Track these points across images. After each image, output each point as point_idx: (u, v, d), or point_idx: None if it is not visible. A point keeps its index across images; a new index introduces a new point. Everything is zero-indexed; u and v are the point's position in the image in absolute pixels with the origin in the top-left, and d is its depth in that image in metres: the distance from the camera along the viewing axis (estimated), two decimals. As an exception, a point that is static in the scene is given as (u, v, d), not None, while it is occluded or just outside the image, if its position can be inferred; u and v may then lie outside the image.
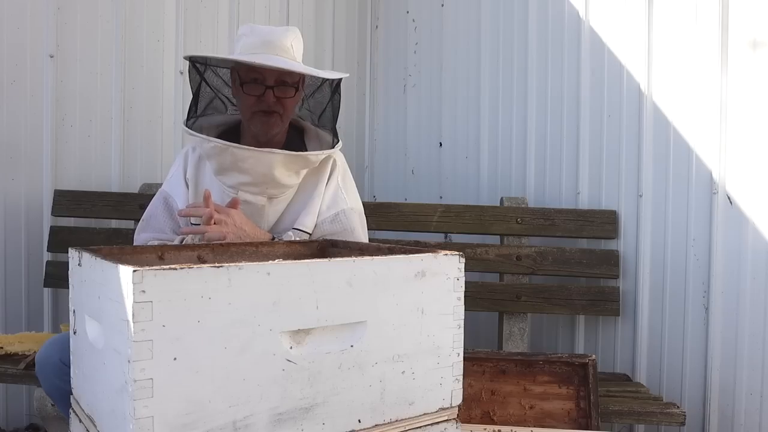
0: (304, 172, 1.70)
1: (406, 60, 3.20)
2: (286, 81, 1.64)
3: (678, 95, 2.25)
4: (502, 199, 2.57)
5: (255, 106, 1.64)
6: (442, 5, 3.02)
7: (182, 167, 1.75)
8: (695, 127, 2.22)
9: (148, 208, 1.78)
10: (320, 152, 1.68)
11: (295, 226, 1.67)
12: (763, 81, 2.08)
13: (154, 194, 2.47)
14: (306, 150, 1.72)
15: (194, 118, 1.71)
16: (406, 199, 3.11)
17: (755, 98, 2.09)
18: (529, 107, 2.68)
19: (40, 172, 2.56)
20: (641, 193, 2.34)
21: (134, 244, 1.73)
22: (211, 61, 1.72)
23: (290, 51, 1.65)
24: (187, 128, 1.66)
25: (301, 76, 1.68)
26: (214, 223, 1.50)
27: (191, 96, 1.73)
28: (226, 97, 1.79)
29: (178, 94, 2.80)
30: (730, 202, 2.14)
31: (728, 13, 2.13)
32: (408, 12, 3.19)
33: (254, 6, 2.98)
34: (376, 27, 3.34)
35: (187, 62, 1.70)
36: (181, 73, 2.80)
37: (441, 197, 3.01)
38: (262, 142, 1.67)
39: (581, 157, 2.50)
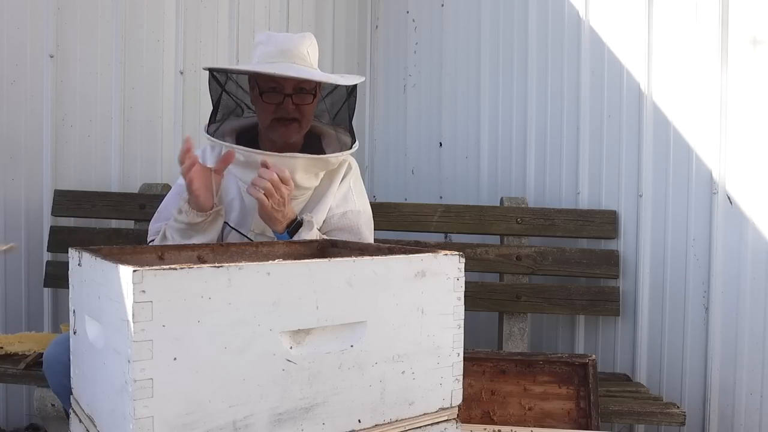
0: (322, 174, 1.75)
1: (406, 60, 3.20)
2: (303, 88, 1.68)
3: (678, 95, 2.25)
4: (502, 199, 2.57)
5: (274, 113, 1.68)
6: (442, 5, 3.02)
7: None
8: (695, 127, 2.22)
9: (161, 204, 1.81)
10: (339, 154, 1.73)
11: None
12: (763, 79, 2.08)
13: (154, 194, 2.51)
14: (324, 152, 1.76)
15: (215, 125, 1.75)
16: (406, 199, 3.11)
17: (755, 97, 2.09)
18: (529, 107, 2.68)
19: (40, 172, 2.56)
20: (641, 193, 2.34)
21: (148, 236, 1.76)
22: (230, 73, 1.76)
23: (307, 58, 1.69)
24: (209, 135, 1.71)
25: (318, 84, 1.72)
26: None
27: (209, 101, 1.77)
28: (245, 104, 1.83)
29: (178, 94, 2.80)
30: (730, 202, 2.14)
31: (728, 11, 2.13)
32: (408, 12, 3.19)
33: (254, 6, 2.98)
34: (376, 27, 3.34)
35: (203, 62, 1.74)
36: (181, 73, 2.80)
37: (441, 197, 3.01)
38: (280, 146, 1.70)
39: (581, 157, 2.50)
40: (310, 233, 1.60)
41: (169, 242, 1.59)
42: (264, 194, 1.53)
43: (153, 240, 1.71)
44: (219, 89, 1.76)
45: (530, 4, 2.66)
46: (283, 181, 1.54)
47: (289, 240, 1.59)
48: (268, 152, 1.64)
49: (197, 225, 1.57)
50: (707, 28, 2.18)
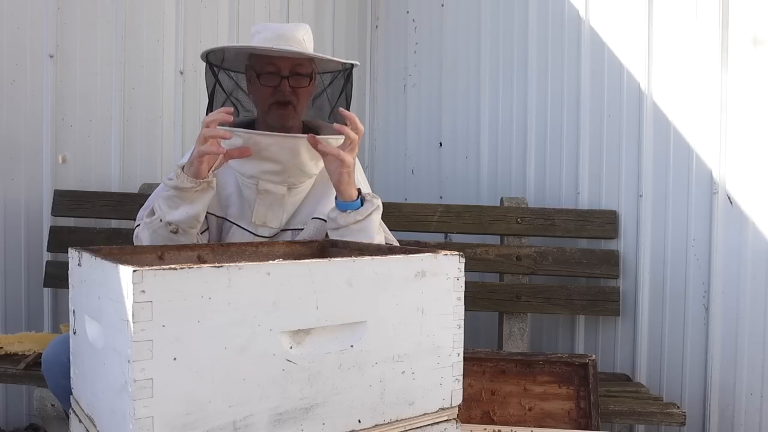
0: (321, 163, 1.72)
1: (406, 60, 3.19)
2: (300, 71, 1.68)
3: (678, 94, 2.25)
4: (502, 199, 2.57)
5: (271, 97, 1.67)
6: (442, 5, 3.02)
7: None
8: (695, 127, 2.22)
9: (151, 195, 1.80)
10: (339, 136, 1.69)
11: (314, 215, 1.70)
12: (763, 79, 2.08)
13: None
14: None
15: None
16: (406, 199, 3.11)
17: (756, 97, 2.09)
18: (529, 107, 2.68)
19: (40, 172, 2.57)
20: (641, 193, 2.34)
21: (135, 222, 1.75)
22: (228, 53, 1.75)
23: (303, 43, 1.70)
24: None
25: (314, 68, 1.72)
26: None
27: (207, 97, 1.76)
28: (239, 99, 1.82)
29: (178, 93, 2.80)
30: (730, 202, 2.14)
31: (728, 11, 2.13)
32: (408, 12, 3.19)
33: (254, 6, 2.98)
34: (376, 27, 3.34)
35: (202, 62, 1.73)
36: (181, 73, 2.80)
37: (441, 197, 3.01)
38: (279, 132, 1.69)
39: (581, 157, 2.50)
40: (375, 200, 1.63)
41: (156, 217, 1.57)
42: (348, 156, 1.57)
43: (140, 225, 1.70)
44: (215, 78, 1.75)
45: (530, 4, 2.66)
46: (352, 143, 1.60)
47: (345, 212, 1.60)
48: (269, 132, 1.62)
49: (186, 192, 1.53)
50: (707, 28, 2.18)
